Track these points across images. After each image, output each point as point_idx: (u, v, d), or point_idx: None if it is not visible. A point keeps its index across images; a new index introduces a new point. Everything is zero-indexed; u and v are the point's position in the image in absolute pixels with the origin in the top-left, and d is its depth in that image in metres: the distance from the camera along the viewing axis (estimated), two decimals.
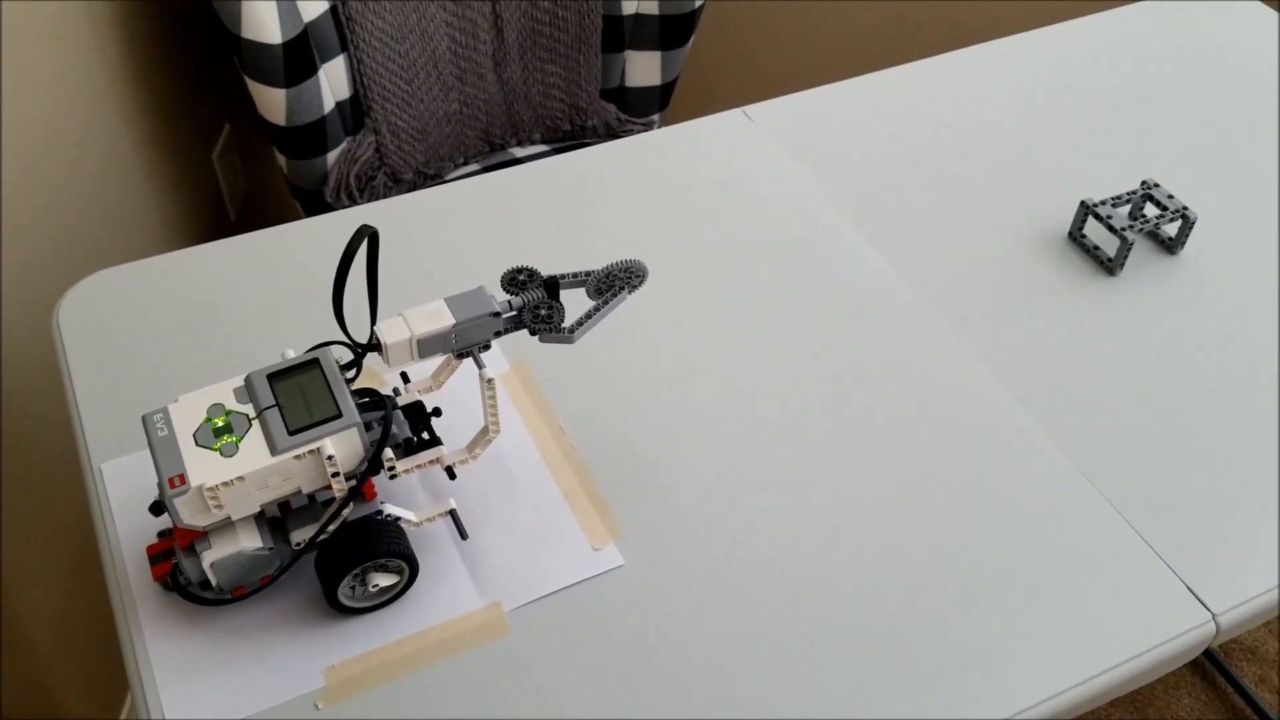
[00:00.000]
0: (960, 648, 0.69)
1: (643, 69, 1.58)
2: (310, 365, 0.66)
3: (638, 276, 0.71)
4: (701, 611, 0.70)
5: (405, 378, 0.74)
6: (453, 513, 0.71)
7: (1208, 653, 1.53)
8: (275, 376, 0.66)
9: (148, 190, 1.34)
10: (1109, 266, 0.92)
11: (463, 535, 0.72)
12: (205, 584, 0.67)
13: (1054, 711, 0.67)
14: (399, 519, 0.69)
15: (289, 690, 0.65)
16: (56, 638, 1.13)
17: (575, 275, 0.70)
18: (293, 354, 0.68)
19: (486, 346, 0.68)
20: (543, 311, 0.68)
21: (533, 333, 0.68)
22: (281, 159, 1.37)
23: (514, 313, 0.68)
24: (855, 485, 0.77)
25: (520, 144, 1.59)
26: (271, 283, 0.89)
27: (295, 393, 0.65)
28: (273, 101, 1.29)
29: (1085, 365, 0.85)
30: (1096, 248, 0.93)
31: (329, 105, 1.35)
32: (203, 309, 0.87)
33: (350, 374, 0.68)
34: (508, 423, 0.80)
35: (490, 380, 0.66)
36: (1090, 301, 0.90)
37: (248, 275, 0.90)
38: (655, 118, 1.65)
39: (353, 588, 0.68)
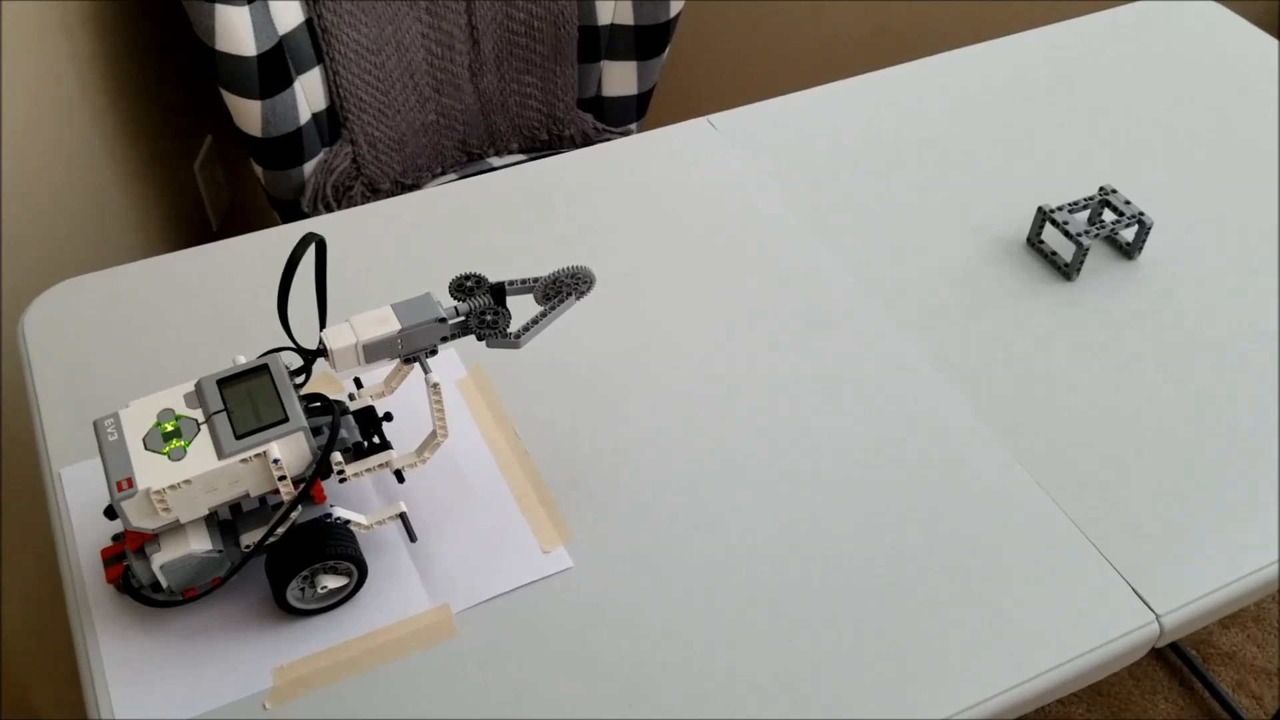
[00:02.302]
0: (905, 648, 0.69)
1: (619, 79, 1.59)
2: (260, 371, 0.67)
3: (585, 283, 0.72)
4: (647, 614, 0.71)
5: (359, 383, 0.75)
6: (402, 515, 0.72)
7: (1184, 657, 1.54)
8: (225, 382, 0.67)
9: (126, 201, 1.36)
10: (1066, 272, 0.92)
11: (411, 538, 0.73)
12: (157, 586, 0.68)
13: (996, 711, 0.68)
14: (349, 522, 0.70)
15: (238, 690, 0.66)
16: (33, 641, 1.14)
17: (523, 281, 0.71)
18: (244, 360, 0.69)
19: (434, 352, 0.69)
20: (488, 317, 0.69)
21: (480, 338, 0.69)
22: (259, 169, 1.38)
23: (461, 318, 0.69)
24: (805, 490, 0.78)
25: (498, 154, 1.60)
26: (240, 290, 0.90)
27: (244, 398, 0.66)
28: (248, 113, 1.30)
29: (1039, 368, 0.86)
30: (1054, 253, 0.94)
31: (305, 116, 1.36)
32: (169, 317, 0.88)
33: (300, 379, 0.69)
34: (463, 428, 0.81)
35: (436, 385, 0.67)
36: (1046, 306, 0.91)
37: (215, 283, 0.91)
38: (633, 127, 1.66)
39: (302, 589, 0.69)
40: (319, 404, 0.70)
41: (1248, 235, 0.98)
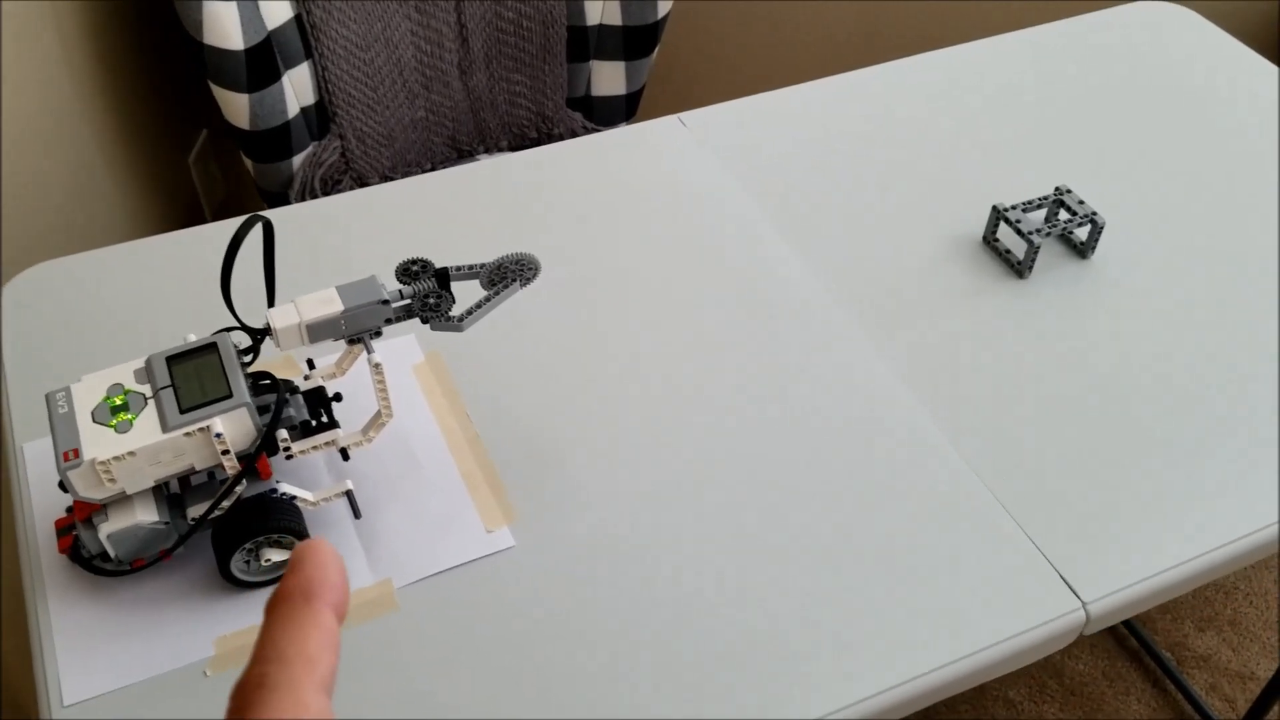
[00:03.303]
0: (838, 628, 0.71)
1: (608, 78, 1.61)
2: (209, 349, 0.70)
3: (530, 270, 0.74)
4: (585, 597, 0.72)
5: (311, 364, 0.78)
6: (349, 493, 0.74)
7: (1158, 660, 1.54)
8: (174, 359, 0.69)
9: (119, 194, 1.39)
10: (1018, 269, 0.94)
11: (356, 514, 0.75)
12: (106, 556, 0.70)
13: (922, 690, 0.69)
14: (295, 498, 0.72)
15: (181, 658, 0.68)
16: (12, 622, 1.17)
17: (469, 267, 0.74)
18: (194, 338, 0.71)
19: (378, 333, 0.71)
20: (431, 300, 0.71)
21: (424, 320, 0.71)
22: (248, 162, 1.41)
23: (405, 301, 0.71)
24: (750, 481, 0.79)
25: (488, 151, 1.62)
26: (213, 274, 0.92)
27: (192, 374, 0.68)
28: (236, 106, 1.33)
29: (985, 364, 0.87)
30: (1008, 251, 0.95)
31: (293, 110, 1.39)
32: (143, 299, 0.90)
33: (248, 358, 0.71)
34: (417, 411, 0.83)
35: (378, 366, 0.69)
36: (998, 304, 0.92)
37: (189, 268, 0.93)
38: (623, 126, 1.68)
39: (247, 562, 0.71)
40: (269, 383, 0.72)
41: (1201, 236, 0.99)
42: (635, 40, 1.56)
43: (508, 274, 0.74)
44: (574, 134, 1.64)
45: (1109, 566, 0.75)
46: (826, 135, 1.09)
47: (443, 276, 0.72)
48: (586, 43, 1.57)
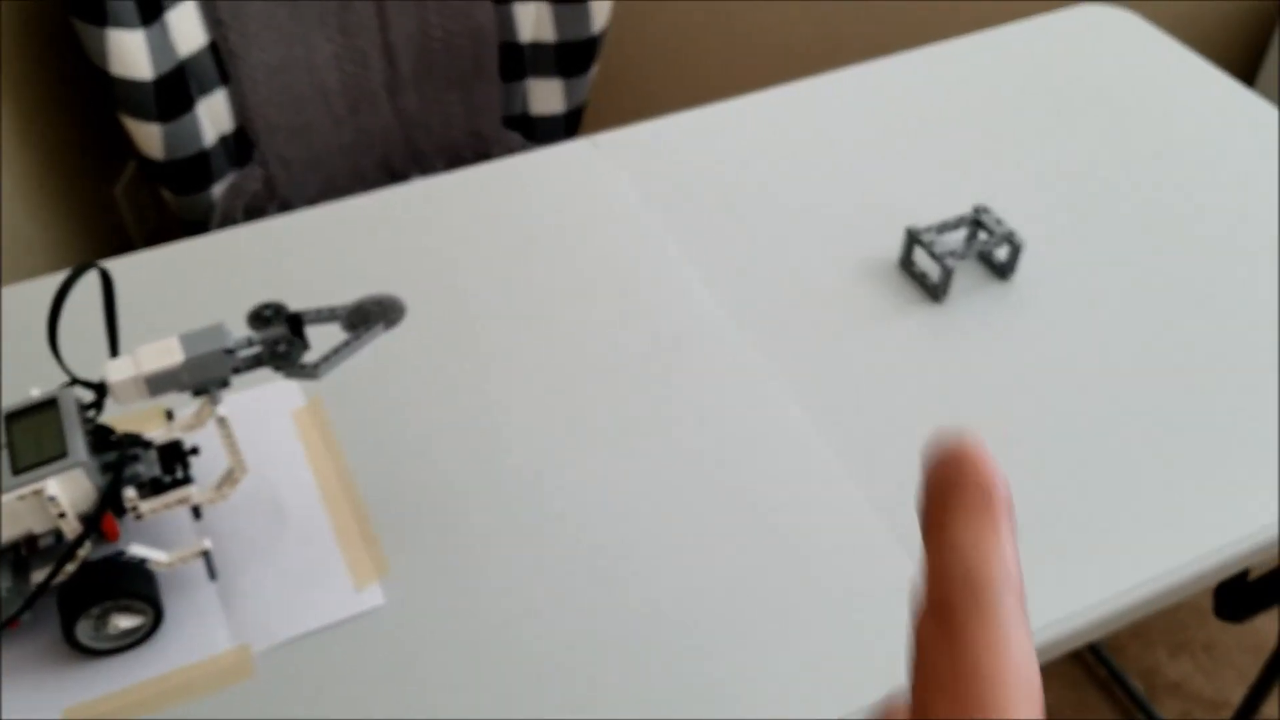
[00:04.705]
0: (732, 676, 0.67)
1: (545, 96, 1.57)
2: (49, 404, 0.66)
3: (394, 311, 0.70)
4: (457, 655, 0.68)
5: (170, 415, 0.73)
6: (206, 553, 0.70)
7: (1127, 689, 1.50)
8: (14, 416, 0.65)
9: (36, 230, 1.35)
10: (934, 294, 0.90)
11: (211, 575, 0.71)
12: None
13: None
14: (146, 560, 0.68)
15: None
16: None
17: (327, 310, 0.69)
18: (37, 393, 0.67)
19: (225, 383, 0.67)
20: (281, 347, 0.67)
21: (276, 369, 0.67)
22: (166, 193, 1.37)
23: (254, 349, 0.67)
24: (644, 526, 0.75)
25: (424, 172, 1.58)
26: (135, 307, 0.88)
27: (31, 432, 0.64)
28: (148, 136, 1.29)
29: (893, 395, 0.83)
30: (924, 275, 0.91)
31: (211, 139, 1.35)
32: (37, 339, 0.86)
33: (90, 413, 0.67)
34: (291, 459, 0.78)
35: (223, 420, 0.65)
36: (911, 330, 0.88)
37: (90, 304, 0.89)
38: (587, 138, 1.64)
39: (95, 629, 0.67)
40: (116, 438, 0.68)
41: (1129, 252, 0.95)
42: (571, 57, 1.53)
43: (369, 316, 0.70)
44: (512, 153, 1.60)
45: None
46: (743, 155, 1.05)
47: (295, 321, 0.68)
48: (521, 60, 1.53)
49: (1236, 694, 1.49)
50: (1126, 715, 1.48)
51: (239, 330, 0.67)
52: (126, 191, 1.59)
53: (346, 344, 0.69)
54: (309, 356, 0.68)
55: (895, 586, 0.72)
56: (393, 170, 1.56)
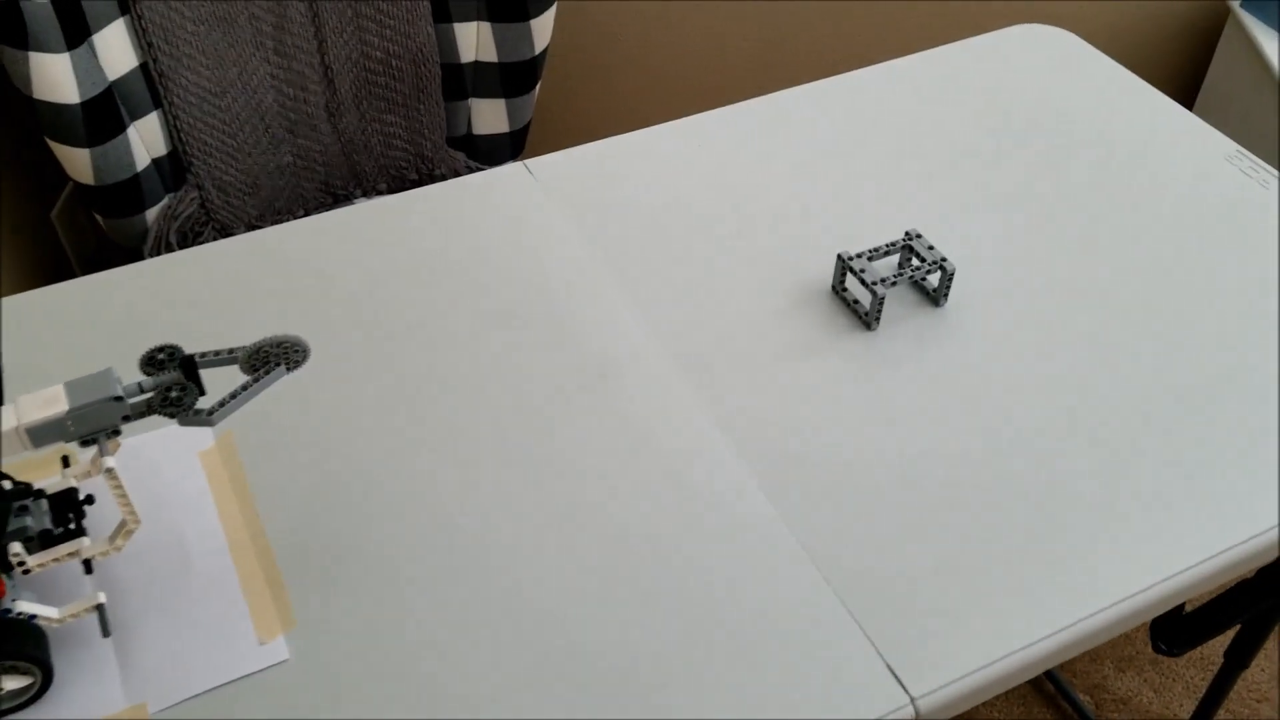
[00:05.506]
0: (647, 715, 0.65)
1: (489, 117, 1.55)
2: None
3: (297, 352, 0.68)
4: (366, 712, 0.66)
5: (66, 462, 0.71)
6: (99, 607, 0.67)
7: (1074, 704, 1.48)
8: None
9: None
10: (866, 321, 0.88)
11: (104, 632, 0.68)
12: None
13: None
14: (35, 617, 0.65)
15: None
16: None
17: (228, 351, 0.67)
18: None
19: (116, 432, 0.64)
20: (173, 394, 0.64)
21: (169, 416, 0.64)
22: (99, 217, 1.34)
23: (145, 395, 0.64)
24: (564, 570, 0.73)
25: (366, 194, 1.56)
26: (69, 335, 0.85)
27: None
28: (77, 161, 1.26)
29: (824, 425, 0.81)
30: (856, 302, 0.90)
31: (143, 163, 1.32)
32: None
33: None
34: (198, 503, 0.76)
35: (110, 471, 0.63)
36: (842, 359, 0.86)
37: (49, 326, 0.86)
38: (520, 162, 1.62)
39: None
40: (5, 490, 0.65)
41: (1065, 276, 0.93)
42: (513, 77, 1.50)
43: (269, 358, 0.67)
44: (457, 173, 1.58)
45: (941, 656, 0.69)
46: (677, 179, 1.03)
47: (189, 365, 0.65)
48: (463, 80, 1.50)
49: (1185, 709, 1.48)
50: None
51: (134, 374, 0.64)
52: (62, 215, 1.55)
53: (244, 388, 0.66)
54: (206, 401, 0.65)
55: (819, 620, 0.70)
56: (334, 192, 1.53)
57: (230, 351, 0.67)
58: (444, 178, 1.57)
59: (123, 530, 0.66)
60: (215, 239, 1.41)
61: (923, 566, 0.73)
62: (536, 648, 0.68)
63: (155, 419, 0.80)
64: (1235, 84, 1.97)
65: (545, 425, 0.81)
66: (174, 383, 0.64)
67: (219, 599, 0.70)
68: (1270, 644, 1.54)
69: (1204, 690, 1.29)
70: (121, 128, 1.28)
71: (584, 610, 0.70)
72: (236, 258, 0.95)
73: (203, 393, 0.65)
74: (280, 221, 1.50)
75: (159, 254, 1.37)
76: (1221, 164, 1.05)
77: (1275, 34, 1.89)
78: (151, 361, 0.65)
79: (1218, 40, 2.10)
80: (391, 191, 1.57)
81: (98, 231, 1.69)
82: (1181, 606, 0.95)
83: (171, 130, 1.34)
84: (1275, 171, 1.04)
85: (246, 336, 0.87)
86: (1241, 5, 1.94)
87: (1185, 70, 2.22)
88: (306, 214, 1.52)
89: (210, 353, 0.67)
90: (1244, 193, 1.01)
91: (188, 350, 0.85)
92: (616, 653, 0.68)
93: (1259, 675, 1.51)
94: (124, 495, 0.64)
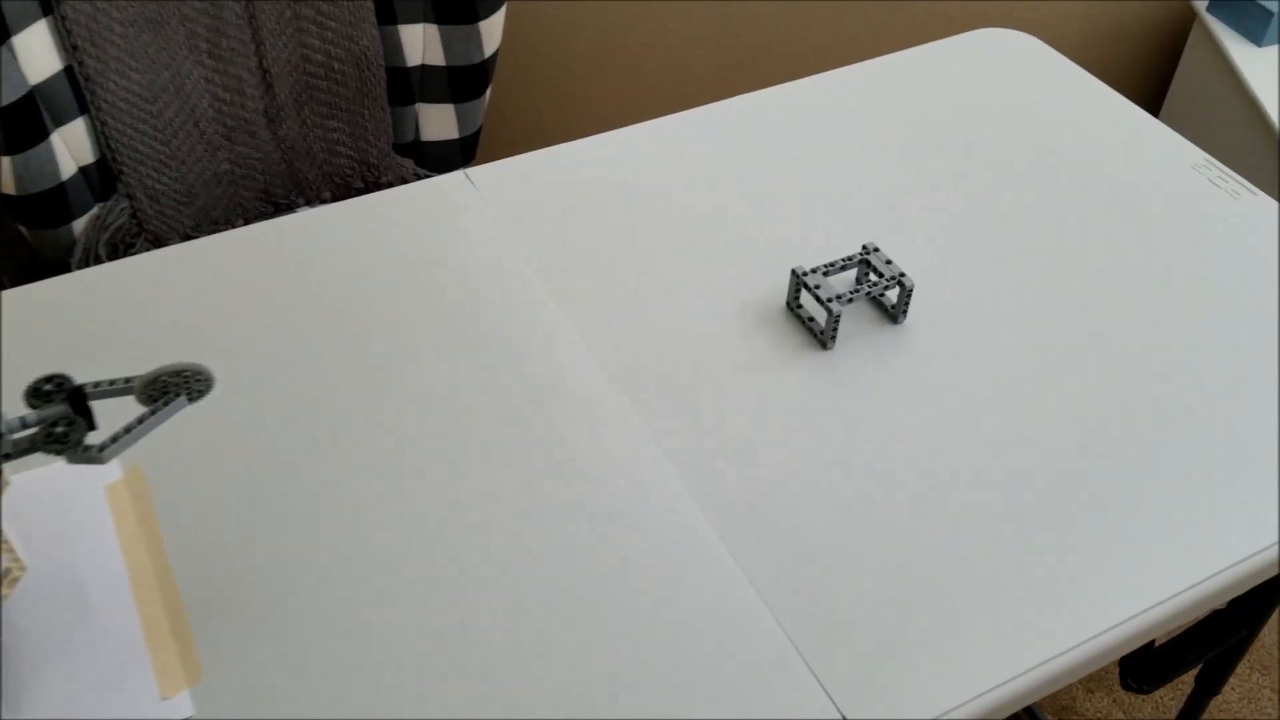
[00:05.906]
0: None
1: (437, 122, 1.50)
2: None
3: (199, 381, 0.62)
4: None
5: None
6: None
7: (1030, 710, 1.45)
8: None
9: None
10: (822, 340, 0.84)
11: None
12: None
13: None
14: None
15: None
16: None
17: (123, 381, 0.61)
18: None
19: None
20: (58, 429, 0.58)
21: (55, 454, 0.59)
22: (23, 228, 1.27)
23: (28, 431, 0.59)
24: (501, 609, 0.68)
25: (309, 202, 1.50)
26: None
27: None
28: None
29: (776, 449, 0.77)
30: (811, 319, 0.85)
31: (69, 171, 1.25)
32: None
33: None
34: (101, 541, 0.70)
35: None
36: (795, 379, 0.82)
37: None
38: (461, 171, 1.57)
39: None
40: None
41: (1028, 291, 0.89)
42: (462, 81, 1.45)
43: (168, 389, 0.62)
44: (404, 181, 1.52)
45: (893, 700, 0.64)
46: (623, 189, 0.98)
47: (77, 397, 0.60)
48: (410, 85, 1.45)
49: None
50: None
51: (17, 406, 0.59)
52: None
53: (140, 421, 0.61)
54: (96, 436, 0.60)
55: (768, 654, 0.65)
56: (274, 201, 1.47)
57: (126, 381, 0.62)
58: (390, 185, 1.52)
59: (7, 578, 0.61)
60: (149, 250, 1.35)
61: (876, 601, 0.68)
62: (469, 691, 0.63)
63: None
64: (1202, 88, 1.94)
65: (482, 452, 0.76)
66: (60, 416, 0.59)
67: (118, 648, 0.65)
68: (1242, 665, 1.51)
69: (1174, 712, 1.25)
70: (44, 134, 1.22)
71: (521, 648, 0.65)
72: (168, 270, 0.89)
73: (93, 427, 0.60)
74: (219, 232, 1.43)
75: (88, 264, 1.30)
76: (1189, 173, 1.01)
77: (1241, 37, 1.87)
78: (37, 393, 0.60)
79: (1184, 45, 2.07)
80: (336, 200, 1.51)
81: (27, 243, 1.62)
82: (1152, 641, 0.91)
83: (99, 137, 1.28)
84: (1244, 182, 1.00)
85: (169, 358, 0.81)
86: (1207, 9, 1.91)
87: (1151, 75, 2.20)
88: (246, 223, 1.46)
89: (105, 382, 0.61)
90: (1211, 204, 0.98)
91: (88, 377, 0.79)
92: (557, 690, 0.63)
93: (1230, 695, 1.48)
94: (7, 541, 0.58)
